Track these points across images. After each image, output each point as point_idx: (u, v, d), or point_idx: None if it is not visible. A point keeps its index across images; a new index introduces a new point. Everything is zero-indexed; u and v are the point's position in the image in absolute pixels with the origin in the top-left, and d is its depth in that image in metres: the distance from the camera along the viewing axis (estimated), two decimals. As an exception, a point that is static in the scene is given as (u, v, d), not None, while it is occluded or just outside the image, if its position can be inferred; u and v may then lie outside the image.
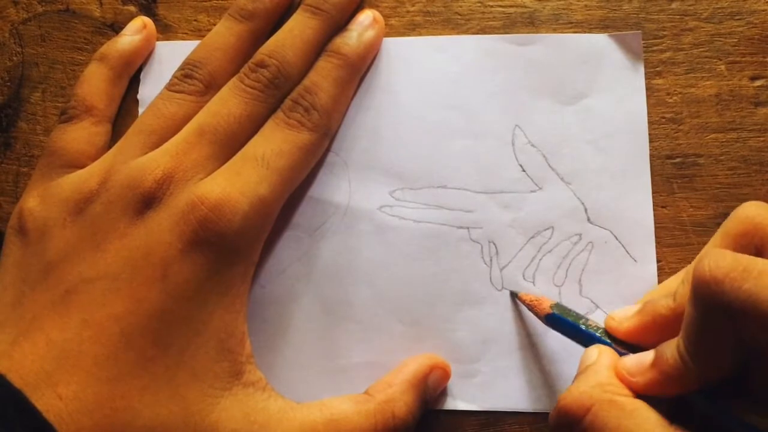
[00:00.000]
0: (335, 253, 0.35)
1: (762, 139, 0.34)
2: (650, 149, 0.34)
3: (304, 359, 0.34)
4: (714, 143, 0.34)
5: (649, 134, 0.34)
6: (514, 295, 0.34)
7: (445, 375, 0.33)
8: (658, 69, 0.35)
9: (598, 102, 0.35)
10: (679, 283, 0.28)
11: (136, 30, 0.37)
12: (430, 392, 0.33)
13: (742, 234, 0.26)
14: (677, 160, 0.34)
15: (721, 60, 0.35)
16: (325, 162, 0.35)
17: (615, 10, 0.35)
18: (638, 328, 0.28)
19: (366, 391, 0.32)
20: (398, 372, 0.33)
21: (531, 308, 0.32)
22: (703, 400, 0.25)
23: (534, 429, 0.33)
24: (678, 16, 0.35)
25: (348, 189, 0.35)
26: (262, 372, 0.32)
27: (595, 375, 0.27)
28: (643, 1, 0.35)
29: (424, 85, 0.35)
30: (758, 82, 0.35)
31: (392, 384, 0.32)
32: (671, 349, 0.26)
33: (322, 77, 0.34)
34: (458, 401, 0.33)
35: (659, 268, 0.34)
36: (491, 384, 0.33)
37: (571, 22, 0.35)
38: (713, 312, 0.23)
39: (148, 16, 0.38)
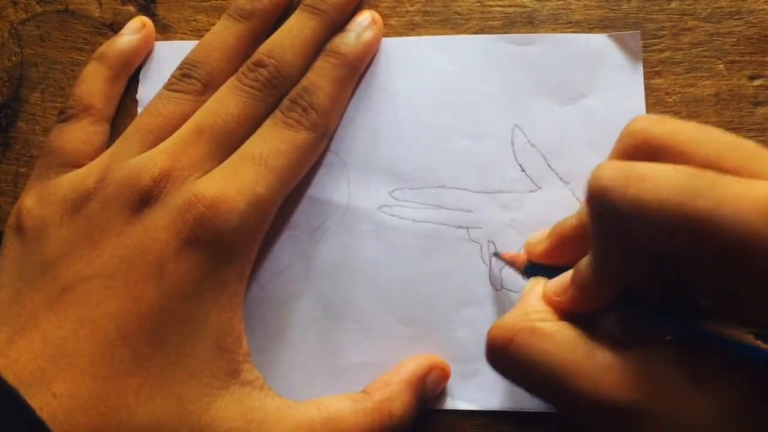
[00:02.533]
0: (334, 253, 0.35)
1: (761, 138, 0.34)
2: (649, 149, 0.34)
3: (303, 359, 0.34)
4: (713, 143, 0.34)
5: (648, 134, 0.34)
6: (496, 255, 0.34)
7: (444, 375, 0.33)
8: (657, 69, 0.35)
9: (597, 102, 0.35)
10: (582, 202, 0.28)
11: (134, 30, 0.37)
12: (428, 392, 0.33)
13: (634, 147, 0.26)
14: (676, 159, 0.34)
15: (720, 60, 0.35)
16: (324, 162, 0.35)
17: (614, 9, 0.35)
18: (550, 249, 0.30)
19: (363, 390, 0.32)
20: (396, 371, 0.33)
21: (511, 264, 0.33)
22: (624, 307, 0.26)
23: (533, 429, 0.33)
24: (677, 16, 0.35)
25: (347, 189, 0.35)
26: (260, 371, 0.32)
27: (523, 305, 0.28)
28: (642, 0, 0.35)
29: (424, 85, 0.35)
30: (757, 82, 0.35)
31: (390, 383, 0.32)
32: (585, 263, 0.26)
33: (321, 77, 0.34)
34: (458, 401, 0.33)
35: (658, 268, 0.34)
36: (491, 384, 0.33)
37: (571, 22, 0.35)
38: (605, 220, 0.24)
39: (147, 16, 0.38)
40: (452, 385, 0.33)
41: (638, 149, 0.26)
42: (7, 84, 0.38)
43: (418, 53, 0.36)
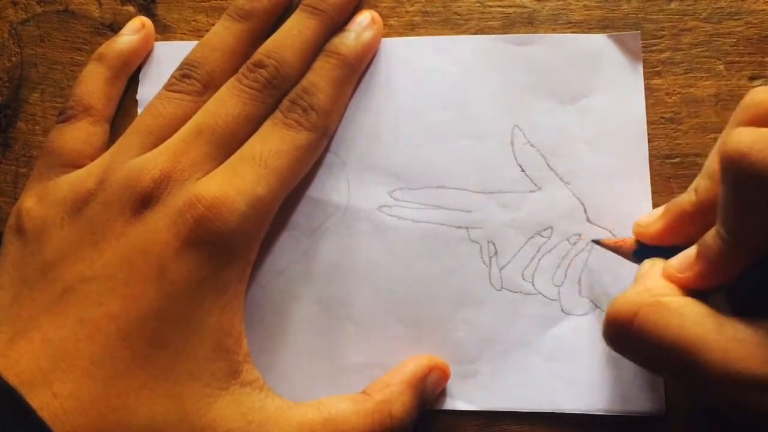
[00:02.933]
0: (334, 254, 0.34)
1: (761, 138, 0.34)
2: (649, 149, 0.34)
3: (303, 359, 0.34)
4: (713, 143, 0.34)
5: (648, 134, 0.34)
6: (596, 242, 0.33)
7: (444, 376, 0.33)
8: (657, 69, 0.35)
9: (597, 102, 0.35)
10: (698, 179, 0.28)
11: (134, 30, 0.37)
12: (428, 393, 0.33)
13: (753, 118, 0.26)
14: (676, 160, 0.34)
15: (720, 60, 0.35)
16: (323, 162, 0.35)
17: (614, 10, 0.35)
18: (666, 228, 0.29)
19: (364, 391, 0.32)
20: (397, 372, 0.33)
21: (615, 250, 0.32)
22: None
23: (533, 429, 0.33)
24: (677, 16, 0.35)
25: (347, 189, 0.35)
26: (260, 372, 0.32)
27: (642, 283, 0.27)
28: (642, 1, 0.35)
29: (423, 86, 0.35)
30: (757, 82, 0.35)
31: (390, 384, 0.32)
32: (712, 236, 0.26)
33: (320, 77, 0.34)
34: (457, 401, 0.33)
35: (658, 268, 0.34)
36: (490, 384, 0.33)
37: (570, 22, 0.35)
38: (745, 185, 0.23)
39: (147, 17, 0.38)
40: (452, 385, 0.33)
41: (756, 120, 0.25)
42: (7, 84, 0.38)
43: (418, 53, 0.36)
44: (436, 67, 0.35)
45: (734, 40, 0.35)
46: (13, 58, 0.38)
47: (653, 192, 0.34)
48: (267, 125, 0.33)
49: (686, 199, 0.29)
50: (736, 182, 0.24)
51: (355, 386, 0.33)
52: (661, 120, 0.35)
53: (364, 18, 0.36)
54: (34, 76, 0.38)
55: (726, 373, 0.24)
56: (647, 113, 0.35)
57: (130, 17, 0.38)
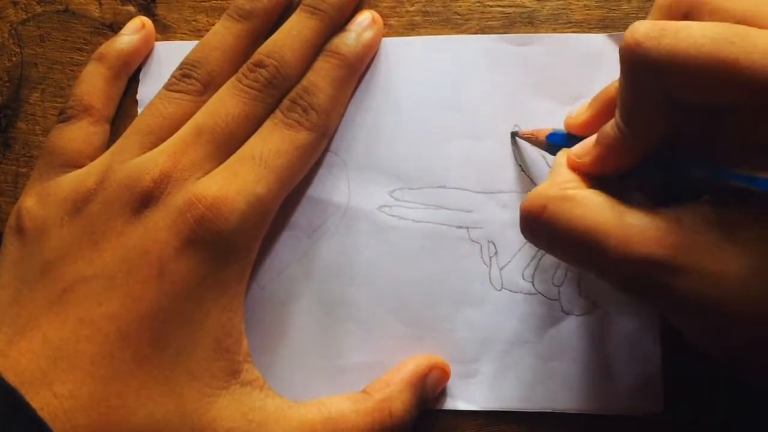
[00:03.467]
0: (334, 253, 0.35)
1: None
2: (650, 149, 0.34)
3: (303, 359, 0.34)
4: (713, 143, 0.34)
5: (649, 134, 0.34)
6: (514, 135, 0.34)
7: (444, 375, 0.33)
8: (657, 69, 0.35)
9: (597, 101, 0.35)
10: None
11: (134, 30, 0.37)
12: (428, 392, 0.33)
13: (669, 6, 0.26)
14: (677, 159, 0.34)
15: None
16: (324, 162, 0.35)
17: (614, 9, 0.35)
18: (594, 116, 0.30)
19: (364, 390, 0.33)
20: (397, 371, 0.33)
21: (530, 140, 0.33)
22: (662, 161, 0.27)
23: (534, 429, 0.33)
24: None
25: (347, 189, 0.35)
26: (260, 371, 0.32)
27: (552, 176, 0.29)
28: (643, 0, 0.35)
29: (423, 85, 0.35)
30: (758, 82, 0.35)
31: (390, 383, 0.32)
32: (610, 124, 0.27)
33: (321, 77, 0.34)
34: (458, 401, 0.33)
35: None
36: (491, 384, 0.33)
37: (571, 22, 0.35)
38: (639, 73, 0.24)
39: (147, 17, 0.38)
40: (452, 385, 0.33)
41: (676, 5, 0.26)
42: (7, 84, 0.38)
43: (418, 53, 0.36)
44: (436, 67, 0.35)
45: (734, 39, 0.35)
46: (14, 58, 0.38)
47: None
48: (267, 125, 0.33)
49: (612, 86, 0.30)
50: (630, 70, 0.25)
51: (355, 386, 0.33)
52: (662, 120, 0.35)
53: (365, 18, 0.36)
54: (34, 75, 0.38)
55: (625, 255, 0.25)
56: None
57: (130, 17, 0.38)
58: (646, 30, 0.24)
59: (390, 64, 0.36)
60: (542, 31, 0.36)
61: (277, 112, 0.33)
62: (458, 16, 0.36)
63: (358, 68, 0.35)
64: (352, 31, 0.35)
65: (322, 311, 0.34)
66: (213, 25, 0.36)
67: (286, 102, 0.33)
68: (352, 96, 0.36)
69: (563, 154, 0.30)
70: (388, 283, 0.34)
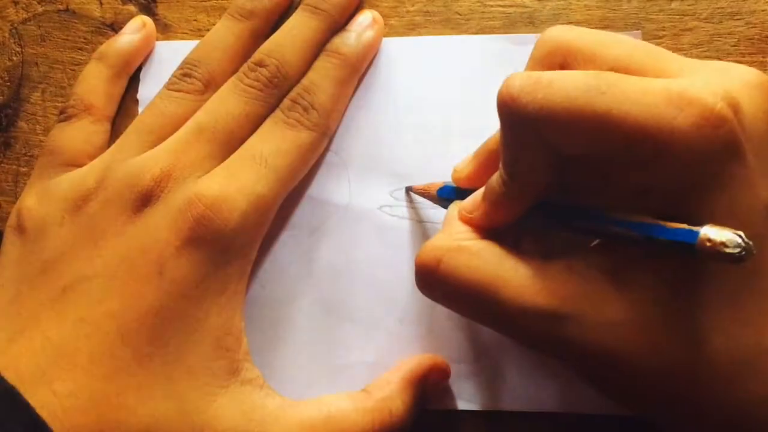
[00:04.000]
0: (335, 253, 0.34)
1: None
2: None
3: (303, 359, 0.34)
4: (714, 143, 0.34)
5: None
6: (408, 190, 0.35)
7: (444, 375, 0.33)
8: (657, 69, 0.35)
9: (597, 101, 0.34)
10: None
11: (135, 29, 0.37)
12: (428, 392, 0.33)
13: (546, 55, 0.27)
14: (677, 160, 0.34)
15: (720, 60, 0.35)
16: (324, 162, 0.35)
17: (614, 9, 0.35)
18: (477, 170, 0.30)
19: (364, 389, 0.32)
20: (397, 370, 0.33)
21: (424, 194, 0.33)
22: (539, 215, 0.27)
23: (534, 429, 0.33)
24: (677, 16, 0.35)
25: (348, 189, 0.35)
26: (260, 371, 0.32)
27: (447, 229, 0.29)
28: (643, 0, 0.35)
29: (424, 85, 0.35)
30: (758, 82, 0.35)
31: (390, 382, 0.32)
32: (495, 178, 0.27)
33: (321, 77, 0.34)
34: (458, 401, 0.33)
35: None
36: (491, 384, 0.33)
37: (571, 22, 0.35)
38: (517, 127, 0.24)
39: (147, 16, 0.38)
40: (452, 384, 0.33)
41: (551, 55, 0.26)
42: (8, 84, 0.38)
43: (418, 53, 0.36)
44: (437, 67, 0.35)
45: (735, 40, 0.35)
46: (14, 58, 0.38)
47: (654, 192, 0.34)
48: (268, 124, 0.33)
49: (493, 140, 0.30)
50: (508, 125, 0.25)
51: (355, 385, 0.33)
52: (662, 120, 0.35)
53: (366, 18, 0.36)
54: (35, 75, 0.38)
55: (519, 306, 0.25)
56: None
57: (131, 17, 0.38)
58: (521, 84, 0.24)
59: (391, 64, 0.36)
60: (543, 31, 0.35)
61: (278, 112, 0.33)
62: (459, 16, 0.36)
63: (359, 68, 0.35)
64: (353, 31, 0.35)
65: (322, 311, 0.34)
66: (214, 24, 0.36)
67: (287, 101, 0.33)
68: (353, 96, 0.36)
69: (455, 207, 0.30)
70: (388, 283, 0.34)
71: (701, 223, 0.22)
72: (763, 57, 0.35)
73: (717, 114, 0.22)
